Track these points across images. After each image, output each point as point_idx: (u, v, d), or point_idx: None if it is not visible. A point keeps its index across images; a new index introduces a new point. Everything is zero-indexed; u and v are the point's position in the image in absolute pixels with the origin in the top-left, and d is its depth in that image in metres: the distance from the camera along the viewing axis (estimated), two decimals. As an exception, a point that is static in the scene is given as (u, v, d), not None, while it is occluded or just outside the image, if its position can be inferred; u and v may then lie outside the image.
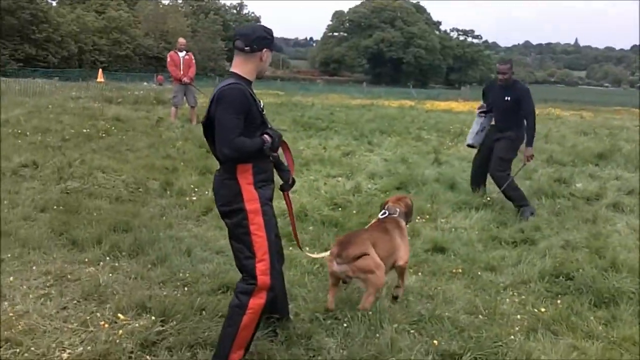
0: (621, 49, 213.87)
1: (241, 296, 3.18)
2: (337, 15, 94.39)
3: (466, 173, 9.12)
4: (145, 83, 37.75)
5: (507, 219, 6.56)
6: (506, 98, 7.04)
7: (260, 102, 3.27)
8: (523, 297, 4.53)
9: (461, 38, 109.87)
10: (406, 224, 4.55)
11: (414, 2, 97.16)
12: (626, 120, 22.78)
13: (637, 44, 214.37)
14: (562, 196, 7.84)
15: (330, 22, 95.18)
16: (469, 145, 7.70)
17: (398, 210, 4.45)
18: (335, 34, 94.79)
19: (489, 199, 7.24)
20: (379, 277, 3.95)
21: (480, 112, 7.46)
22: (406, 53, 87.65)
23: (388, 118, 17.12)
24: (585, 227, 6.43)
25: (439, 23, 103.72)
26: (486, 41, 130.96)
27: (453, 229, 6.21)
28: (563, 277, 4.79)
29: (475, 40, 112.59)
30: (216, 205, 3.32)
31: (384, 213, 4.44)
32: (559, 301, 4.40)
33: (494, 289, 4.64)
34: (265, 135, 3.22)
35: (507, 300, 4.45)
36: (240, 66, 3.24)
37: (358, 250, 3.94)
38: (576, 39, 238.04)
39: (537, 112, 23.16)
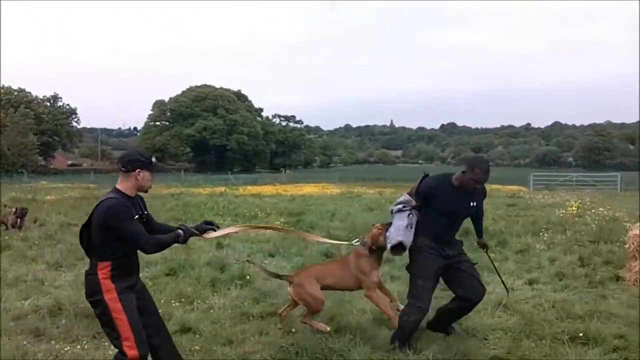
0: (432, 129, 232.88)
1: None
2: (158, 105, 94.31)
3: (245, 253, 9.70)
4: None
5: (261, 296, 7.02)
6: (472, 204, 5.40)
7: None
8: (249, 366, 4.96)
9: (283, 123, 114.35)
10: (376, 250, 5.49)
11: (235, 90, 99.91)
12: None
13: (445, 123, 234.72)
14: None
15: (152, 112, 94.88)
16: (397, 247, 5.30)
17: (364, 241, 5.58)
18: (157, 123, 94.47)
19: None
20: (313, 306, 5.52)
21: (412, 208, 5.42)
22: (229, 140, 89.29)
23: (191, 206, 17.42)
24: (333, 296, 7.03)
25: (261, 110, 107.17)
26: (307, 125, 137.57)
27: (209, 309, 6.56)
28: (287, 344, 5.30)
29: (297, 125, 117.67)
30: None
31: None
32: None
33: (222, 363, 5.03)
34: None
35: (231, 370, 4.85)
36: (121, 183, 3.95)
37: (300, 280, 5.57)
38: (391, 121, 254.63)
39: (342, 191, 24.58)
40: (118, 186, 3.95)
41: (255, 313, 6.36)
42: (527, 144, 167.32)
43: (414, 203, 5.35)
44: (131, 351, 3.79)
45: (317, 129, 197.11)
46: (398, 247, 5.28)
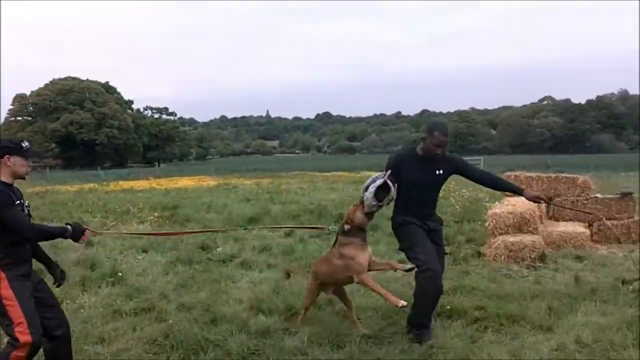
0: (308, 118, 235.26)
1: (9, 347, 3.83)
2: (19, 99, 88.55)
3: (117, 250, 9.43)
4: None
5: (134, 292, 6.85)
6: (438, 172, 5.28)
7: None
8: (121, 363, 4.86)
9: (156, 116, 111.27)
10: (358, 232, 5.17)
11: (103, 82, 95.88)
12: (295, 184, 25.13)
13: (320, 113, 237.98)
14: (200, 261, 8.48)
15: (12, 106, 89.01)
16: (382, 188, 5.09)
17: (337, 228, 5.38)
18: (19, 118, 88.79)
19: None
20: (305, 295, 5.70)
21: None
22: (98, 134, 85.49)
23: (57, 204, 16.65)
24: (210, 288, 7.04)
25: (131, 102, 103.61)
26: (182, 117, 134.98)
27: (79, 309, 6.32)
28: (162, 338, 5.23)
29: (170, 117, 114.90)
30: None
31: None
32: (146, 361, 4.82)
33: (91, 361, 4.89)
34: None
35: (100, 369, 4.73)
36: None
37: (311, 270, 5.75)
38: (267, 111, 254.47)
39: (219, 182, 24.34)
40: None
41: (129, 310, 6.21)
42: (398, 131, 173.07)
43: (384, 175, 5.14)
44: (24, 337, 3.77)
45: (192, 121, 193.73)
46: (384, 189, 5.06)
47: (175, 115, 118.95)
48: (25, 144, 4.05)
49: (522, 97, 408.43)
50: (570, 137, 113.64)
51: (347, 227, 5.16)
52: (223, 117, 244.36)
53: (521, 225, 8.73)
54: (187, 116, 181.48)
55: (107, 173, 46.03)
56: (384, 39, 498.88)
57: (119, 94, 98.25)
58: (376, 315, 5.76)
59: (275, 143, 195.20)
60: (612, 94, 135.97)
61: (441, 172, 5.28)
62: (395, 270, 5.33)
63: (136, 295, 6.74)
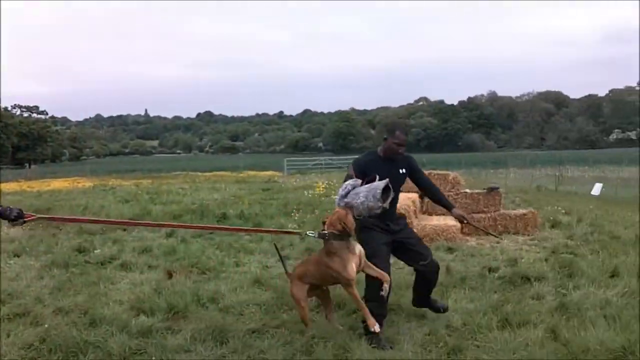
0: (188, 118, 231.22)
1: None
2: None
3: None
4: None
5: (7, 298, 6.53)
6: (402, 171, 5.35)
7: None
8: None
9: (25, 115, 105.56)
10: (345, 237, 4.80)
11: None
12: (177, 184, 24.73)
13: (202, 112, 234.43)
14: (77, 264, 8.20)
15: None
16: (386, 190, 4.87)
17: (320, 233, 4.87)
18: None
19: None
20: (296, 307, 5.25)
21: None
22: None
23: None
24: (88, 290, 6.84)
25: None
26: (53, 116, 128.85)
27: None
28: (38, 342, 5.06)
29: (41, 116, 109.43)
30: None
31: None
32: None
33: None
34: None
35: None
36: None
37: (291, 277, 5.29)
38: (146, 110, 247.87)
39: (95, 184, 23.47)
40: None
41: (1, 315, 5.92)
42: (280, 130, 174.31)
43: (360, 181, 4.95)
44: None
45: (65, 120, 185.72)
46: (387, 191, 4.84)
47: (47, 114, 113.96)
48: None
49: (399, 97, 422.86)
50: (443, 136, 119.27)
51: (338, 228, 4.81)
52: (98, 116, 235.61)
53: (397, 219, 9.13)
54: (59, 115, 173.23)
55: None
56: (265, 39, 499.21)
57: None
58: (260, 310, 5.86)
59: (155, 143, 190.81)
60: (482, 95, 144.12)
61: (404, 171, 5.35)
62: (382, 285, 4.94)
63: (9, 301, 6.43)
